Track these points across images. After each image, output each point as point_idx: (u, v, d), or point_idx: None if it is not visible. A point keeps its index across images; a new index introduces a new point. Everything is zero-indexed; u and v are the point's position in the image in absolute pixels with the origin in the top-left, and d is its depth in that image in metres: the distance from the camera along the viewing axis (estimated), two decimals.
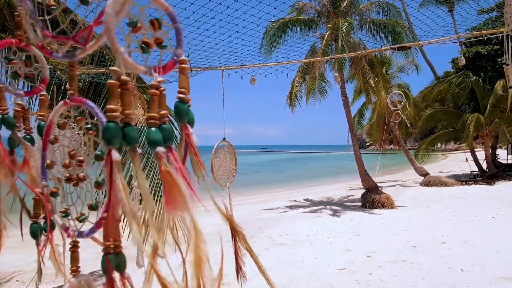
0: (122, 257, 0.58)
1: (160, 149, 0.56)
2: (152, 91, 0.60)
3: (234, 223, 0.79)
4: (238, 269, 0.83)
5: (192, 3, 2.77)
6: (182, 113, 0.63)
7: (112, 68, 0.55)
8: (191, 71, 3.45)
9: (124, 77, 0.56)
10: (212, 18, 3.09)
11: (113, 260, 0.57)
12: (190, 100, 0.65)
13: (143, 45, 0.61)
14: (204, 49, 3.67)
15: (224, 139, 3.43)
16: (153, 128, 0.58)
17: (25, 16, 0.74)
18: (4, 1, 3.50)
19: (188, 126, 0.64)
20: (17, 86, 0.96)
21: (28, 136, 0.90)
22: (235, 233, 0.80)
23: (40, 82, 0.95)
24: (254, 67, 3.53)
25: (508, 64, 2.05)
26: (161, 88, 0.60)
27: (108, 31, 0.55)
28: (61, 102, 0.73)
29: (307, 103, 13.60)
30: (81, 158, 0.82)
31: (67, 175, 0.81)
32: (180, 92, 0.63)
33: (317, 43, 12.24)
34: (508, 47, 2.00)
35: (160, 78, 0.60)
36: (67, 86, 0.79)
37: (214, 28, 3.30)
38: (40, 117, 0.95)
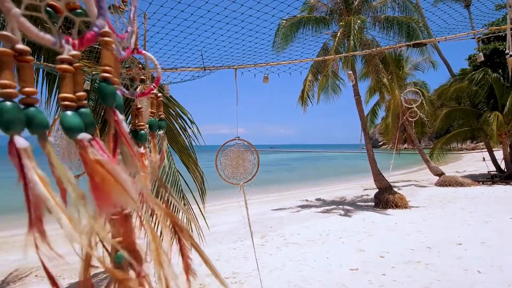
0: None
1: (84, 136, 0.46)
2: (64, 66, 0.47)
3: (176, 219, 0.68)
4: (187, 268, 0.75)
5: (206, 2, 2.80)
6: (109, 96, 0.52)
7: (2, 32, 0.41)
8: (204, 70, 3.48)
9: (20, 46, 0.42)
10: (226, 16, 3.11)
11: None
12: (119, 83, 0.55)
13: (48, 9, 0.47)
14: (218, 47, 3.71)
15: (238, 137, 3.42)
16: (69, 112, 0.46)
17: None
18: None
19: (117, 111, 0.54)
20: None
21: (142, 132, 0.97)
22: (179, 230, 0.69)
23: (153, 82, 1.03)
24: (267, 66, 3.54)
25: (511, 55, 2.00)
26: (77, 65, 0.48)
27: None
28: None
29: (319, 102, 13.57)
30: None
31: None
32: (104, 71, 0.52)
33: (329, 41, 12.15)
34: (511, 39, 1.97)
35: (74, 52, 0.48)
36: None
37: (228, 26, 3.32)
38: (151, 115, 1.07)
